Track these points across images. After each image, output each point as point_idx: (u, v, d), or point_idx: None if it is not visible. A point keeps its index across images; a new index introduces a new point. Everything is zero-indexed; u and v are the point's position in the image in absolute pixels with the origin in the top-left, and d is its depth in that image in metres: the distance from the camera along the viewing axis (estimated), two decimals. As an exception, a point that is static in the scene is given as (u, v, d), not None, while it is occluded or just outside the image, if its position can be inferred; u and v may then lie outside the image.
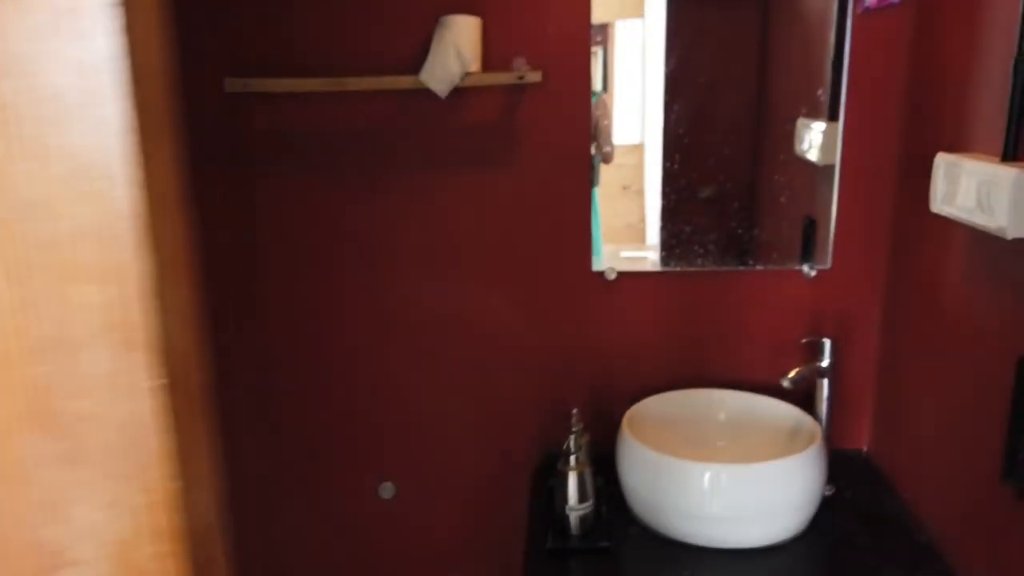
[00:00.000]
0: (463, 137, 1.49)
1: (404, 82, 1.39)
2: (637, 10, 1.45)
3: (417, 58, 1.40)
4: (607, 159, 1.51)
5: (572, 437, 1.35)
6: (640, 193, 1.55)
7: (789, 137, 1.50)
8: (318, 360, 1.64)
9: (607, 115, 1.49)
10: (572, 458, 1.34)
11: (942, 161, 1.15)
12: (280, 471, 1.71)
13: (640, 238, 1.57)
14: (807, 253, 1.53)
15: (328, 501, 1.73)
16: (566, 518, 1.35)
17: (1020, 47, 1.01)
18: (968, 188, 1.07)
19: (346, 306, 1.60)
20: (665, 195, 1.52)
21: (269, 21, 1.45)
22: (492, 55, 1.44)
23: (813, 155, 1.49)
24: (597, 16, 1.42)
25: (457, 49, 1.35)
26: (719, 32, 1.47)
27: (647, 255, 1.56)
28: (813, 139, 1.48)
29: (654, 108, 1.48)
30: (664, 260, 1.55)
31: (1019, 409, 1.02)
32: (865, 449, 1.62)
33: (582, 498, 1.34)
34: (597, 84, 1.47)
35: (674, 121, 1.48)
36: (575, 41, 1.43)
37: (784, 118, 1.49)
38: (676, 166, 1.50)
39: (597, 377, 1.62)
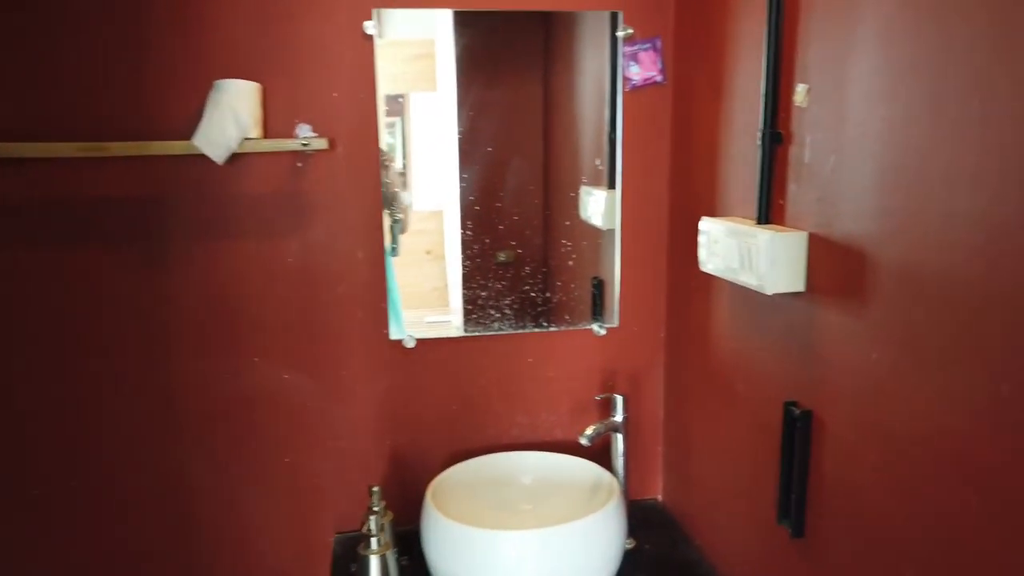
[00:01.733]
0: (246, 205, 1.41)
1: (176, 147, 1.29)
2: (430, 83, 1.46)
3: (192, 123, 1.31)
4: (403, 228, 1.50)
5: (373, 518, 1.28)
6: (442, 258, 1.54)
7: (574, 204, 1.57)
8: (87, 456, 1.44)
9: (398, 183, 1.48)
10: (373, 540, 1.26)
11: (705, 225, 1.25)
12: (33, 591, 1.47)
13: (444, 302, 1.56)
14: (597, 313, 1.60)
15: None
16: (370, 606, 1.26)
17: (764, 121, 1.12)
18: (729, 249, 1.17)
19: (120, 392, 1.43)
20: (464, 260, 1.53)
21: (22, 82, 1.29)
22: (275, 121, 1.38)
23: (596, 221, 1.57)
24: (392, 88, 1.42)
25: (235, 113, 1.28)
26: (506, 104, 1.52)
27: (450, 319, 1.55)
28: (595, 206, 1.56)
29: (450, 176, 1.50)
30: (464, 325, 1.54)
31: (788, 453, 1.11)
32: (660, 499, 1.69)
33: (386, 582, 1.27)
34: (394, 153, 1.46)
35: (468, 189, 1.51)
36: (363, 108, 1.41)
37: (568, 186, 1.56)
38: (472, 232, 1.52)
39: (402, 450, 1.56)
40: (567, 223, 1.58)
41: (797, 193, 1.08)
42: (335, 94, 1.39)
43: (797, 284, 1.07)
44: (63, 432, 1.42)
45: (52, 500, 1.45)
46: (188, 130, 1.30)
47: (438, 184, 1.51)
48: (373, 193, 1.45)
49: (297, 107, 1.38)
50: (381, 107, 1.42)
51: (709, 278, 1.37)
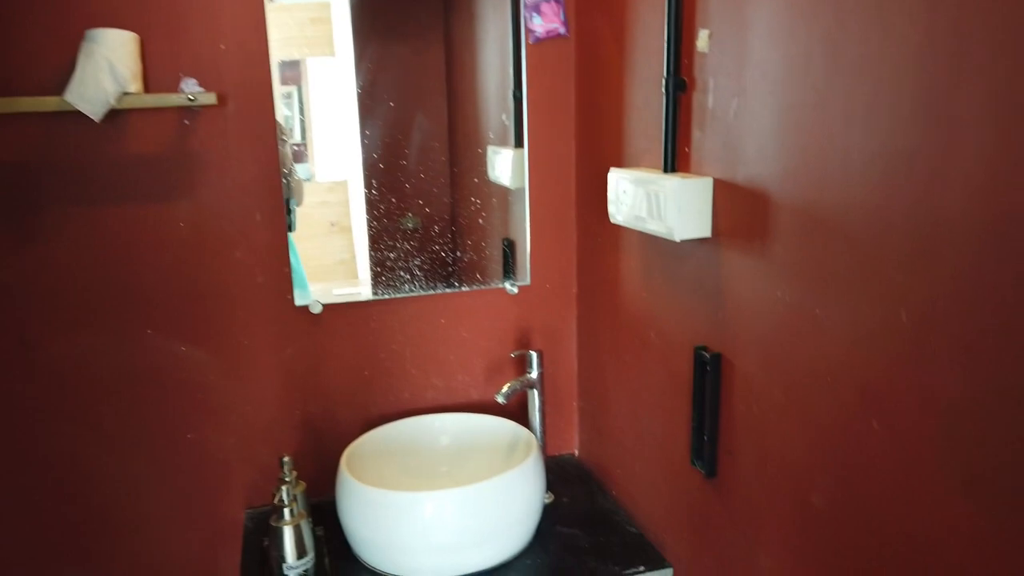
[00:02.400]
0: (130, 166, 1.31)
1: (47, 103, 1.18)
2: (327, 48, 1.39)
3: (63, 77, 1.20)
4: (299, 201, 1.43)
5: (284, 488, 1.23)
6: (348, 229, 1.49)
7: (481, 163, 1.54)
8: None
9: (293, 157, 1.41)
10: (286, 511, 1.22)
11: (613, 176, 1.24)
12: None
13: (353, 274, 1.51)
14: (508, 271, 1.58)
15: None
16: (285, 579, 1.22)
17: (668, 68, 1.12)
18: (637, 198, 1.17)
19: (-9, 374, 1.32)
20: (370, 227, 1.48)
21: None
22: (157, 75, 1.28)
23: (505, 180, 1.54)
24: (287, 54, 1.35)
25: (111, 66, 1.19)
26: (407, 66, 1.47)
27: (359, 290, 1.50)
28: (503, 165, 1.54)
29: (352, 144, 1.44)
30: (374, 288, 1.50)
31: (699, 396, 1.12)
32: (576, 453, 1.70)
33: (300, 553, 1.23)
34: (291, 124, 1.39)
35: (371, 155, 1.45)
36: (254, 61, 1.33)
37: (475, 145, 1.53)
38: (378, 198, 1.47)
39: (313, 419, 1.51)
40: (475, 182, 1.55)
41: (702, 139, 1.09)
42: (222, 46, 1.31)
43: (704, 229, 1.08)
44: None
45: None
46: (59, 85, 1.20)
47: (341, 153, 1.45)
48: (269, 152, 1.37)
49: (180, 60, 1.29)
50: (275, 64, 1.34)
51: (618, 230, 1.38)
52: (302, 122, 1.43)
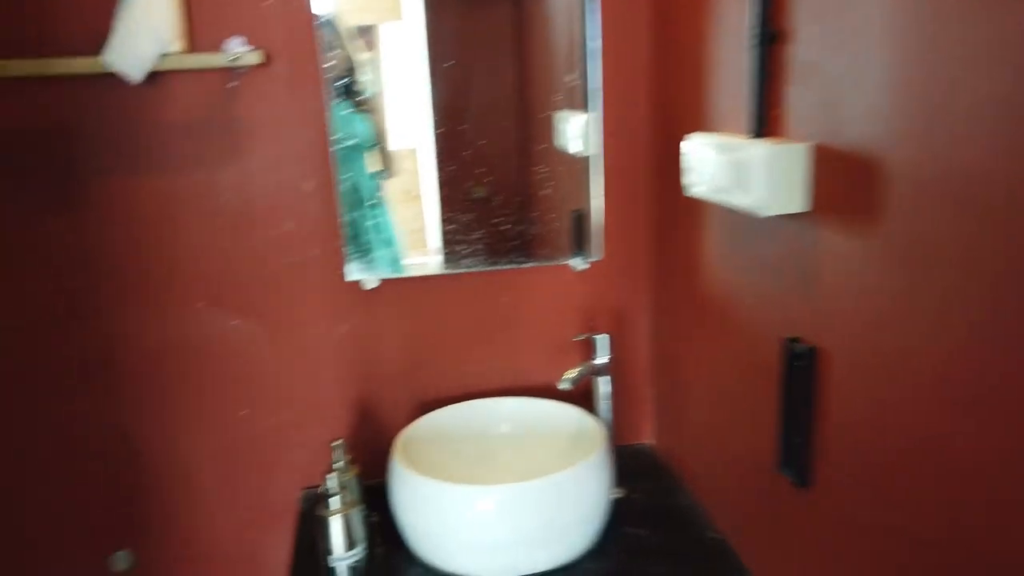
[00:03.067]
0: (173, 131, 1.25)
1: (84, 65, 1.12)
2: (395, 13, 1.29)
3: (101, 37, 1.13)
4: (392, 170, 1.34)
5: (334, 475, 1.16)
6: (418, 198, 1.40)
7: (549, 130, 1.41)
8: (11, 415, 1.31)
9: (380, 125, 1.32)
10: (334, 500, 1.15)
11: (692, 142, 1.10)
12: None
13: (423, 244, 1.42)
14: (578, 246, 1.45)
15: (47, 586, 1.40)
16: (332, 571, 1.15)
17: (756, 17, 0.96)
18: (719, 168, 1.02)
19: (43, 348, 1.29)
20: (440, 198, 1.38)
21: None
22: (201, 34, 1.21)
23: (574, 147, 1.42)
24: (360, 19, 1.26)
25: (151, 25, 1.11)
26: (477, 30, 1.36)
27: (429, 260, 1.40)
28: (571, 131, 1.41)
29: (422, 110, 1.34)
30: (443, 263, 1.40)
31: (788, 395, 0.98)
32: (650, 443, 1.58)
33: (350, 544, 1.16)
34: (375, 91, 1.31)
35: (442, 122, 1.35)
36: (302, 20, 1.24)
37: (543, 111, 1.40)
38: (447, 167, 1.37)
39: (367, 399, 1.44)
40: (544, 151, 1.42)
41: (796, 99, 0.93)
42: (267, 2, 1.22)
43: (797, 203, 0.93)
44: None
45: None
46: (97, 47, 1.13)
47: (411, 120, 1.35)
48: (318, 117, 1.29)
49: (226, 18, 1.21)
50: (342, 27, 1.24)
51: (697, 203, 1.23)
52: (377, 90, 1.33)
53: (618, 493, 1.37)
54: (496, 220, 1.41)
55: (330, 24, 1.24)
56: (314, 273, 1.35)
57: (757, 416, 1.09)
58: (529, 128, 1.41)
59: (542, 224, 1.44)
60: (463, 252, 1.40)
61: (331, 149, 1.30)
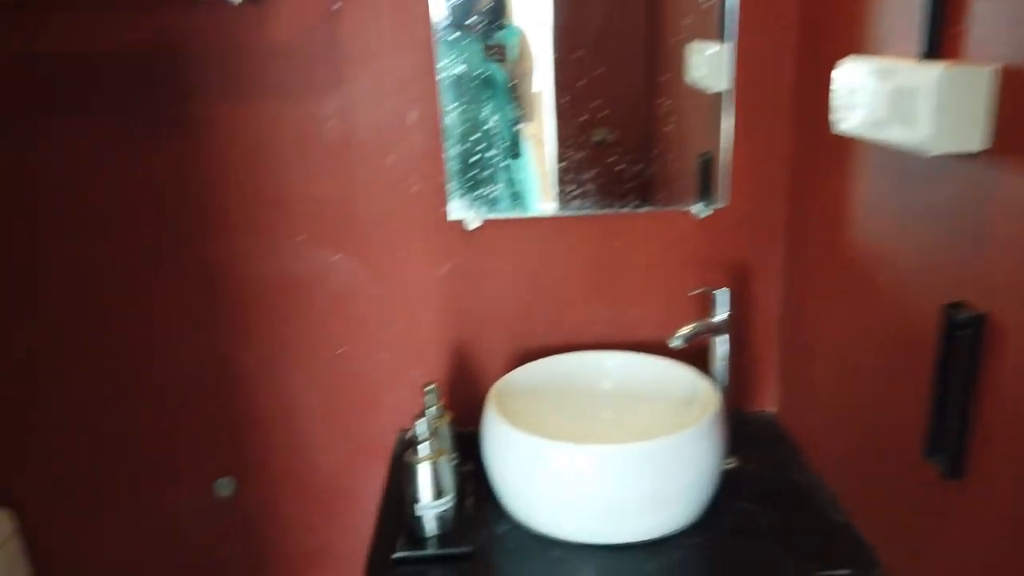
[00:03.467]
0: (274, 55, 1.20)
1: (188, -15, 1.09)
2: None
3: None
4: (531, 116, 1.25)
5: (424, 421, 1.11)
6: (542, 143, 1.30)
7: (680, 64, 1.26)
8: (124, 341, 1.34)
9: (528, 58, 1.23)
10: (423, 446, 1.10)
11: (845, 69, 0.93)
12: (95, 472, 1.42)
13: (545, 189, 1.33)
14: (702, 191, 1.31)
15: (156, 502, 1.45)
16: (419, 519, 1.11)
17: (941, -91, 0.79)
18: (877, 97, 0.86)
19: (150, 276, 1.31)
20: (555, 134, 1.27)
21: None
22: (306, -49, 1.14)
23: (706, 82, 1.27)
24: None
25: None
26: None
27: (551, 205, 1.31)
28: (705, 64, 1.25)
29: (544, 42, 1.23)
30: (558, 206, 1.30)
31: (944, 371, 0.83)
32: (772, 410, 1.44)
33: (438, 494, 1.11)
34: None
35: (563, 55, 1.23)
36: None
37: (674, 43, 1.26)
38: (563, 99, 1.26)
39: (467, 344, 1.38)
40: (672, 87, 1.28)
41: (981, 13, 0.76)
42: (375, -86, 1.14)
43: (973, 140, 0.76)
44: (97, 313, 1.32)
45: (85, 390, 1.37)
46: (202, -35, 1.09)
47: (537, 61, 1.24)
48: (424, 45, 1.20)
49: (331, -66, 1.14)
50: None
51: (845, 142, 1.06)
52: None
53: (731, 463, 1.26)
54: (612, 159, 1.29)
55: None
56: (416, 210, 1.29)
57: (903, 392, 0.94)
58: (657, 58, 1.27)
59: (663, 165, 1.30)
60: (574, 193, 1.30)
61: (437, 79, 1.21)
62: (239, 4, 1.09)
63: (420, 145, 1.25)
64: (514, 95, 1.26)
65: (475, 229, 1.30)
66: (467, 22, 1.20)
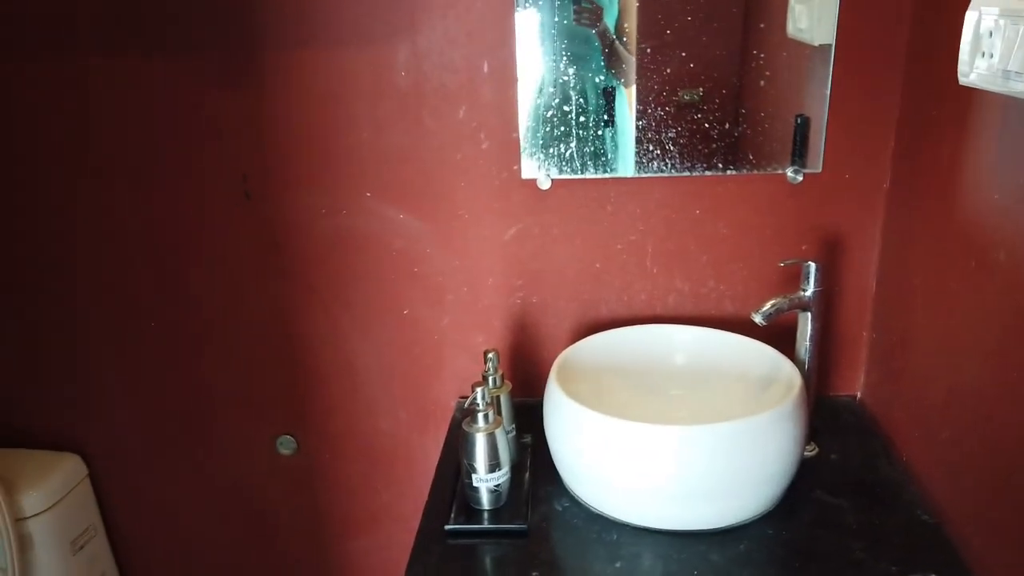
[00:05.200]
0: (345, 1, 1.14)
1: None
2: None
3: None
4: (627, 79, 1.17)
5: (482, 389, 1.05)
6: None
7: (782, 14, 1.15)
8: (190, 295, 1.33)
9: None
10: (481, 416, 1.04)
11: (977, 10, 0.81)
12: (160, 425, 1.43)
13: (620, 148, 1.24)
14: (797, 154, 1.20)
15: (219, 457, 1.45)
16: (474, 491, 1.06)
17: None
18: (1012, 43, 0.74)
19: (216, 229, 1.29)
20: (637, 94, 1.18)
21: None
22: None
23: (808, 35, 1.15)
24: None
25: None
26: None
27: (614, 158, 1.23)
28: (807, 13, 1.14)
29: None
30: (636, 168, 1.22)
31: (1075, 360, 0.72)
32: (858, 396, 1.33)
33: (494, 466, 1.05)
34: None
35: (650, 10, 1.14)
36: None
37: None
38: (643, 47, 1.16)
39: (533, 311, 1.31)
40: (772, 40, 1.16)
41: None
42: None
43: None
44: (163, 273, 1.32)
45: (153, 344, 1.37)
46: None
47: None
48: (501, -13, 1.12)
49: None
50: None
51: (970, 97, 0.94)
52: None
53: (812, 451, 1.16)
54: (698, 116, 1.19)
55: None
56: (486, 167, 1.22)
57: (1012, 378, 0.83)
58: (758, 11, 1.16)
59: (754, 124, 1.20)
60: (654, 152, 1.21)
61: (515, 26, 1.13)
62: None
63: (492, 98, 1.18)
64: (602, 50, 1.17)
65: (547, 189, 1.23)
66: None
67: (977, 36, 0.81)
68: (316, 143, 1.22)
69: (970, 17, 0.82)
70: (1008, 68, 0.75)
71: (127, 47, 1.19)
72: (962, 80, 0.84)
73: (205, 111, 1.22)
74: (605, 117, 1.19)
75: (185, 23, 1.17)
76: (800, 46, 1.16)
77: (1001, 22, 0.76)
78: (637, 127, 1.20)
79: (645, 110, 1.19)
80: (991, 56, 0.78)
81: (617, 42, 1.16)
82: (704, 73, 1.17)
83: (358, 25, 1.15)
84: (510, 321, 1.31)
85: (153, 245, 1.30)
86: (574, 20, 1.14)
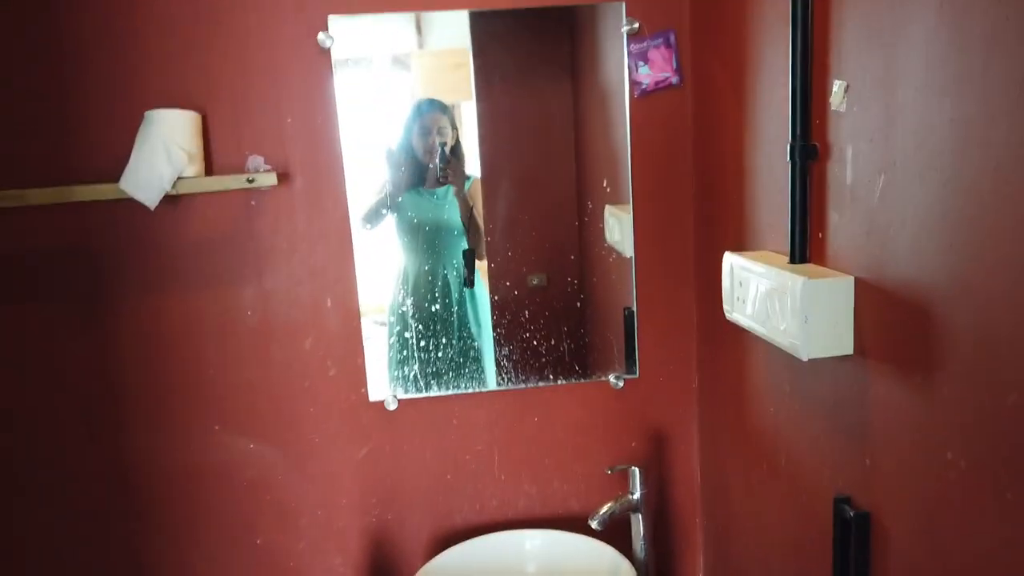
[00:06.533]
0: (194, 251, 1.22)
1: (103, 191, 1.12)
2: (467, 93, 1.25)
3: (123, 161, 1.12)
4: (480, 252, 1.30)
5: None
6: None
7: (600, 227, 1.32)
8: (31, 541, 1.28)
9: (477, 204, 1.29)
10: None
11: (729, 261, 0.99)
12: None
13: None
14: (615, 362, 1.33)
15: None
16: None
17: (793, 130, 0.86)
18: (760, 295, 0.91)
19: (56, 471, 1.26)
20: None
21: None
22: (223, 154, 1.19)
23: (620, 246, 1.32)
24: (447, 97, 1.25)
25: (167, 148, 1.10)
26: (535, 114, 1.29)
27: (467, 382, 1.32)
28: (618, 227, 1.31)
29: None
30: (453, 380, 1.32)
31: (842, 562, 0.83)
32: (701, 580, 1.42)
33: None
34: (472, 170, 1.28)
35: (499, 212, 1.29)
36: (323, 133, 1.21)
37: (596, 208, 1.31)
38: (496, 267, 1.30)
39: (390, 526, 1.34)
40: (595, 250, 1.32)
41: (839, 224, 0.82)
42: (289, 120, 1.20)
43: (842, 346, 0.81)
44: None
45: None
46: (119, 170, 1.12)
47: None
48: (339, 231, 1.24)
49: (245, 137, 1.19)
50: (345, 130, 1.21)
51: (738, 328, 1.11)
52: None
53: (659, 645, 1.22)
54: (527, 335, 1.32)
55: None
56: (334, 392, 1.29)
57: (813, 573, 0.94)
58: (585, 225, 1.31)
59: (573, 338, 1.33)
60: (495, 369, 1.32)
61: (355, 264, 1.25)
62: (155, 209, 1.11)
63: (338, 328, 1.27)
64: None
65: (395, 410, 1.30)
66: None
67: (733, 283, 0.98)
68: (162, 381, 1.25)
69: (725, 265, 1.00)
70: (758, 315, 0.91)
71: (-31, 300, 1.20)
72: (727, 316, 1.00)
73: (52, 354, 1.22)
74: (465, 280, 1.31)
75: (34, 274, 1.20)
76: (618, 255, 1.31)
77: (749, 276, 0.93)
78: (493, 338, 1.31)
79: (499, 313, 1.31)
80: (745, 302, 0.94)
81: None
82: (550, 286, 1.31)
83: (206, 273, 1.23)
84: (366, 540, 1.34)
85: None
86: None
